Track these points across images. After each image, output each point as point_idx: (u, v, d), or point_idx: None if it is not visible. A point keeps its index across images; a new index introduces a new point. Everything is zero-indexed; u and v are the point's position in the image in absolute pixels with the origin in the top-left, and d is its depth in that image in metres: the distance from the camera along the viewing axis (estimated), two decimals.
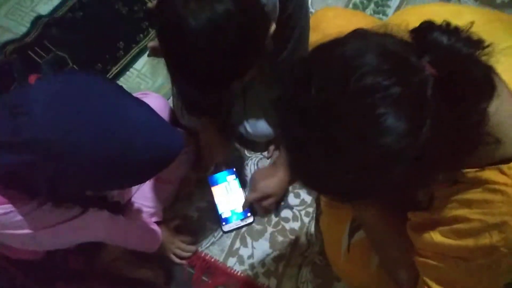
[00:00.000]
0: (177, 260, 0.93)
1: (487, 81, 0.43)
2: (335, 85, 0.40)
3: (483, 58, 0.43)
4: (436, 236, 0.54)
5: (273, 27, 0.64)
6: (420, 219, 0.58)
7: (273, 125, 0.97)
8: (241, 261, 0.94)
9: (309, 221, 0.97)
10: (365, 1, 1.22)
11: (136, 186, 0.91)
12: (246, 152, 1.05)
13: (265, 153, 1.05)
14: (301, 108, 0.42)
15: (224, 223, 0.97)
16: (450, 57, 0.41)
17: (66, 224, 0.66)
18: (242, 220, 0.97)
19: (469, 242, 0.50)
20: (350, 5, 1.21)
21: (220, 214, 0.97)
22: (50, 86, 0.57)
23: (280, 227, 0.97)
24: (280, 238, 0.95)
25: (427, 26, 0.44)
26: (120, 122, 0.55)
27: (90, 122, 0.53)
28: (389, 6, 1.20)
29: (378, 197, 0.47)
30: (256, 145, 1.04)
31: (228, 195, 0.99)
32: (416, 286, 0.61)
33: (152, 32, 1.18)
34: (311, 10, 1.18)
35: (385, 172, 0.41)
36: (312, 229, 0.96)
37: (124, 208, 0.89)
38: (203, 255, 0.95)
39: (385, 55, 0.41)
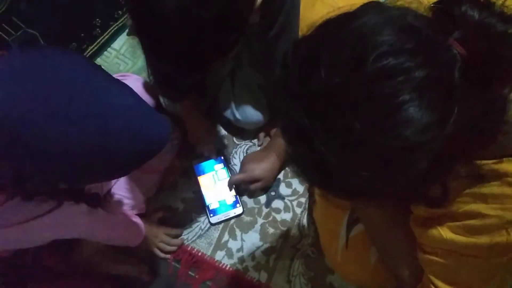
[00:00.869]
0: (162, 255, 0.88)
1: None
2: (349, 66, 0.35)
3: None
4: (445, 233, 0.50)
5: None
6: (425, 213, 0.54)
7: (263, 111, 0.92)
8: (229, 254, 0.90)
9: (302, 212, 0.93)
10: None
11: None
12: (234, 139, 1.00)
13: (255, 141, 0.99)
14: (307, 92, 0.36)
15: (211, 215, 0.92)
16: (482, 34, 0.36)
17: (38, 220, 0.59)
18: (230, 211, 0.92)
19: (484, 239, 0.46)
20: None
21: (207, 205, 0.92)
22: (16, 60, 0.48)
23: (271, 218, 0.93)
24: (271, 230, 0.91)
25: None
26: (98, 106, 0.48)
27: (63, 103, 0.45)
28: None
29: (391, 195, 0.42)
30: (245, 132, 0.99)
31: (215, 185, 0.94)
32: (420, 284, 0.57)
33: (127, 9, 1.09)
34: None
35: (405, 168, 0.36)
36: (305, 220, 0.92)
37: (103, 201, 0.83)
38: (189, 248, 0.90)
39: (407, 31, 0.35)
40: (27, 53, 0.49)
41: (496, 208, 0.44)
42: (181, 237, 0.91)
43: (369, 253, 0.68)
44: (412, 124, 0.34)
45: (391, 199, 0.48)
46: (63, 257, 0.82)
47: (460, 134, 0.36)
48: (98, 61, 1.05)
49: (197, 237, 0.91)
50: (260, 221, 0.92)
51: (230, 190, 0.92)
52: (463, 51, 0.35)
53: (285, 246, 0.90)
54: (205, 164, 0.96)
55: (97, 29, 1.08)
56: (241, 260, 0.89)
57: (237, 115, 0.93)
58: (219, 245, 0.91)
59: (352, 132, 0.35)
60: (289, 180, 0.96)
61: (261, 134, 0.99)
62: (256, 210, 0.93)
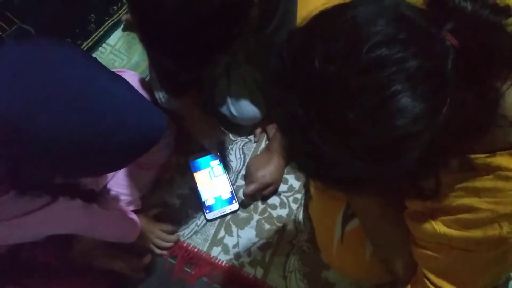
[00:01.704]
0: (158, 251, 0.88)
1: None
2: (343, 57, 0.34)
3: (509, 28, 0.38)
4: (438, 227, 0.50)
5: None
6: (419, 207, 0.54)
7: (260, 107, 0.92)
8: (226, 250, 0.90)
9: (298, 208, 0.93)
10: None
11: (112, 173, 0.84)
12: (230, 135, 0.99)
13: (251, 137, 0.99)
14: (302, 83, 0.36)
15: (207, 211, 0.92)
16: (475, 25, 0.36)
17: (32, 215, 0.59)
18: (226, 207, 0.92)
19: (476, 233, 0.46)
20: None
21: (204, 202, 0.92)
22: (12, 52, 0.48)
23: (267, 214, 0.93)
24: (267, 226, 0.92)
25: None
26: (95, 97, 0.47)
27: (59, 96, 0.45)
28: None
29: (385, 185, 0.42)
30: (241, 128, 0.99)
31: (211, 181, 0.94)
32: (414, 278, 0.58)
33: (127, 4, 1.08)
34: None
35: (398, 157, 0.36)
36: (301, 216, 0.92)
37: (98, 197, 0.82)
38: (185, 245, 0.90)
39: (401, 22, 0.35)
40: (22, 46, 0.49)
41: (489, 202, 0.44)
42: (177, 233, 0.91)
43: (364, 247, 0.68)
44: (405, 114, 0.34)
45: (385, 189, 0.48)
46: (58, 253, 0.81)
47: (452, 125, 0.36)
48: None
49: (193, 233, 0.91)
50: (256, 217, 0.92)
51: (249, 201, 0.92)
52: (456, 43, 0.35)
53: (281, 242, 0.90)
54: (201, 161, 0.95)
55: (92, 25, 1.07)
56: (237, 256, 0.89)
57: (233, 111, 0.93)
58: (215, 241, 0.91)
59: (346, 121, 0.35)
60: (285, 176, 0.96)
61: (258, 130, 0.98)
62: (252, 206, 0.93)
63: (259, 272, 0.88)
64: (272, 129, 0.97)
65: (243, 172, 0.96)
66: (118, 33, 1.07)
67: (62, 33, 1.04)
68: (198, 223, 0.92)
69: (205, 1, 0.49)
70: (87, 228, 0.72)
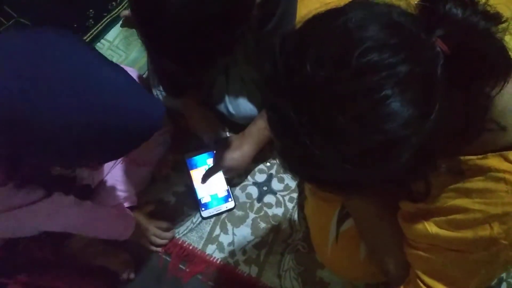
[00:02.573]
0: (153, 248, 0.88)
1: (503, 61, 0.38)
2: (334, 61, 0.35)
3: (499, 35, 0.38)
4: (431, 227, 0.51)
5: None
6: (412, 208, 0.54)
7: (258, 106, 0.91)
8: (221, 248, 0.90)
9: (293, 207, 0.93)
10: None
11: (108, 169, 0.84)
12: (227, 133, 0.99)
13: None
14: (294, 86, 0.36)
15: (203, 209, 0.92)
16: (465, 32, 0.36)
17: (26, 208, 0.59)
18: (222, 205, 0.92)
19: (468, 233, 0.47)
20: None
21: (199, 199, 0.92)
22: (10, 40, 0.47)
23: (262, 213, 0.93)
24: (262, 225, 0.92)
25: None
26: (93, 85, 0.47)
27: (57, 82, 0.45)
28: None
29: (375, 187, 0.43)
30: (238, 126, 0.98)
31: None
32: (407, 279, 0.58)
33: (126, 0, 1.08)
34: None
35: (388, 161, 0.36)
36: (296, 215, 0.92)
37: (93, 192, 0.82)
38: (180, 242, 0.90)
39: (392, 27, 0.35)
40: (21, 34, 0.48)
41: (480, 203, 0.45)
42: (173, 230, 0.91)
43: (359, 248, 0.69)
44: (394, 118, 0.34)
45: (376, 191, 0.48)
46: (54, 249, 0.81)
47: (442, 129, 0.36)
48: None
49: (189, 231, 0.91)
50: (252, 215, 0.92)
51: (203, 183, 0.90)
52: (446, 49, 0.36)
53: (276, 240, 0.90)
54: (198, 158, 0.95)
55: (90, 20, 1.07)
56: (232, 254, 0.89)
57: (231, 109, 0.92)
58: (210, 239, 0.91)
59: (336, 125, 0.35)
60: (281, 175, 0.96)
61: None
62: (248, 205, 0.93)
63: (254, 270, 0.88)
64: None
65: (243, 176, 0.95)
66: (116, 29, 1.07)
67: (60, 28, 1.04)
68: (194, 221, 0.92)
69: (206, 5, 0.49)
70: (82, 225, 0.72)
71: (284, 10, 0.70)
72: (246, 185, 0.95)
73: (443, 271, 0.53)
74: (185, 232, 0.91)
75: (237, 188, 0.95)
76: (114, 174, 0.85)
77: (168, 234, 0.89)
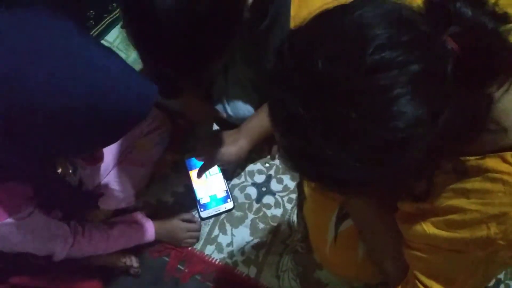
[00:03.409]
0: (188, 245, 0.90)
1: (509, 60, 0.38)
2: (347, 58, 0.35)
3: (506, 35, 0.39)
4: (428, 228, 0.51)
5: None
6: (410, 209, 0.55)
7: (254, 107, 0.92)
8: (219, 249, 0.90)
9: (292, 208, 0.93)
10: None
11: (106, 170, 0.84)
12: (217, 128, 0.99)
13: None
14: (304, 83, 0.36)
15: (202, 209, 0.92)
16: (474, 31, 0.36)
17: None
18: (221, 206, 0.92)
19: (465, 234, 0.47)
20: None
21: (198, 200, 0.92)
22: (2, 21, 0.46)
23: (261, 213, 0.93)
24: (261, 225, 0.92)
25: None
26: (86, 65, 0.46)
27: (49, 64, 0.44)
28: None
29: (381, 186, 0.43)
30: (234, 127, 0.98)
31: (207, 179, 0.94)
32: (405, 279, 0.58)
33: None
34: None
35: (398, 159, 0.36)
36: (295, 216, 0.92)
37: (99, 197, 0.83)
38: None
39: (404, 25, 0.35)
40: (13, 14, 0.47)
41: (477, 203, 0.45)
42: (198, 221, 0.91)
43: (357, 248, 0.69)
44: (406, 116, 0.34)
45: (381, 190, 0.48)
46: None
47: (451, 129, 0.36)
48: None
49: None
50: (251, 216, 0.93)
51: (199, 177, 0.88)
52: (456, 47, 0.36)
53: (275, 241, 0.90)
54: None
55: (91, 21, 1.07)
56: (231, 254, 0.90)
57: (229, 111, 0.92)
58: (209, 239, 0.91)
59: (348, 123, 0.35)
60: (280, 176, 0.96)
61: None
62: (246, 205, 0.93)
63: (252, 271, 0.88)
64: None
65: (238, 171, 0.96)
66: (116, 30, 1.07)
67: (55, 10, 1.05)
68: None
69: (196, 7, 0.49)
70: (104, 250, 0.78)
71: (277, 10, 0.70)
72: (245, 186, 0.95)
73: (440, 271, 0.53)
74: None
75: (236, 188, 0.95)
76: (112, 174, 0.86)
77: (197, 226, 0.90)
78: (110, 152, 0.82)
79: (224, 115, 0.92)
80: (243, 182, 0.96)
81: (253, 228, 0.92)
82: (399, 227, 0.57)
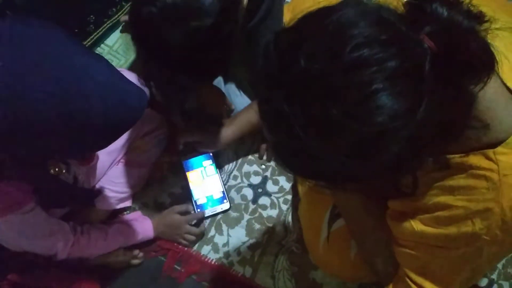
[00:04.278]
0: (186, 243, 0.89)
1: (486, 58, 0.40)
2: (327, 56, 0.37)
3: (483, 34, 0.40)
4: (416, 225, 0.52)
5: None
6: (399, 207, 0.56)
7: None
8: (215, 249, 0.91)
9: (287, 209, 0.94)
10: None
11: (103, 170, 0.86)
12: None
13: (245, 138, 1.00)
14: (287, 80, 0.38)
15: (198, 210, 0.93)
16: (450, 30, 0.38)
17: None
18: (217, 206, 0.93)
19: (451, 230, 0.48)
20: None
21: (195, 201, 0.93)
22: None
23: (257, 214, 0.94)
24: (257, 226, 0.93)
25: None
26: (76, 73, 0.47)
27: (41, 69, 0.45)
28: None
29: (366, 181, 0.44)
30: None
31: (203, 180, 0.95)
32: (396, 277, 0.59)
33: (126, 6, 1.11)
34: None
35: (378, 152, 0.38)
36: (290, 217, 0.93)
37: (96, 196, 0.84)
38: (175, 243, 0.91)
39: (382, 24, 0.37)
40: (7, 23, 0.49)
41: (462, 200, 0.46)
42: (203, 224, 0.91)
43: (350, 247, 0.70)
44: (384, 110, 0.36)
45: (368, 185, 0.49)
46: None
47: (430, 124, 0.37)
48: None
49: None
50: (247, 217, 0.94)
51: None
52: (433, 45, 0.37)
53: (270, 242, 0.91)
54: (194, 160, 0.97)
55: (91, 26, 1.09)
56: (227, 254, 0.90)
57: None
58: (206, 239, 0.92)
59: (329, 118, 0.36)
60: (276, 177, 0.97)
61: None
62: (243, 206, 0.95)
63: (248, 271, 0.89)
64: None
65: (235, 172, 0.98)
66: (116, 34, 1.09)
67: (44, 20, 1.06)
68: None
69: (201, 19, 0.55)
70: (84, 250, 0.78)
71: (268, 6, 0.72)
72: (242, 187, 0.96)
73: (430, 268, 0.54)
74: None
75: (233, 189, 0.96)
76: (109, 175, 0.87)
77: (197, 230, 0.89)
78: (106, 153, 0.83)
79: (233, 107, 0.93)
80: (240, 183, 0.97)
81: (249, 228, 0.93)
82: (389, 225, 0.58)
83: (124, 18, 1.10)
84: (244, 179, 0.97)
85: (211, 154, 0.98)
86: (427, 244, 0.52)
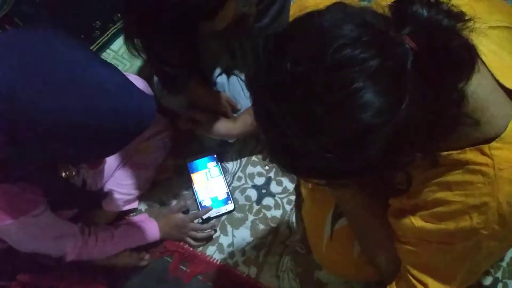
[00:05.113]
0: (195, 243, 0.90)
1: (467, 56, 0.41)
2: (311, 58, 0.38)
3: (465, 33, 0.41)
4: (416, 221, 0.53)
5: None
6: (400, 204, 0.57)
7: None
8: (220, 249, 0.92)
9: (291, 209, 0.95)
10: None
11: (110, 172, 0.87)
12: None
13: (248, 138, 1.02)
14: (275, 82, 0.40)
15: None
16: (430, 29, 0.39)
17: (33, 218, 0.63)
18: (222, 207, 0.94)
19: (450, 225, 0.49)
20: None
21: (200, 202, 0.95)
22: (9, 37, 0.50)
23: (261, 215, 0.95)
24: (261, 226, 0.94)
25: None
26: (87, 82, 0.49)
27: (54, 78, 0.47)
28: None
29: (355, 177, 0.45)
30: None
31: (208, 182, 0.96)
32: (398, 275, 0.60)
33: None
34: None
35: (363, 149, 0.39)
36: (294, 217, 0.94)
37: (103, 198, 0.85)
38: (181, 243, 0.92)
39: (364, 26, 0.39)
40: (16, 32, 0.51)
41: (460, 195, 0.47)
42: (211, 221, 0.92)
43: (353, 245, 0.70)
44: (367, 108, 0.37)
45: (361, 182, 0.50)
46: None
47: (414, 121, 0.39)
48: None
49: None
50: (251, 217, 0.95)
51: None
52: (414, 45, 0.39)
53: (275, 242, 0.92)
54: (199, 162, 0.98)
55: (97, 31, 1.11)
56: (232, 255, 0.91)
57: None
58: (211, 240, 0.93)
59: (314, 115, 0.38)
60: (279, 178, 0.98)
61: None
62: (247, 207, 0.96)
63: (253, 271, 0.90)
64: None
65: (239, 173, 0.99)
66: (121, 40, 1.11)
67: (56, 28, 1.08)
68: (194, 223, 0.94)
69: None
70: (92, 252, 0.79)
71: (280, 7, 0.73)
72: (246, 188, 0.98)
73: (430, 264, 0.54)
74: None
75: (237, 191, 0.97)
76: (116, 177, 0.88)
77: (205, 226, 0.90)
78: (113, 156, 0.85)
79: (239, 106, 0.95)
80: (244, 184, 0.98)
81: (253, 229, 0.94)
82: (391, 223, 0.59)
83: None
84: (248, 180, 0.98)
85: (215, 156, 0.99)
86: (428, 240, 0.53)
